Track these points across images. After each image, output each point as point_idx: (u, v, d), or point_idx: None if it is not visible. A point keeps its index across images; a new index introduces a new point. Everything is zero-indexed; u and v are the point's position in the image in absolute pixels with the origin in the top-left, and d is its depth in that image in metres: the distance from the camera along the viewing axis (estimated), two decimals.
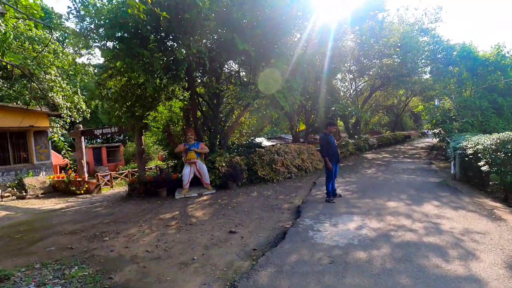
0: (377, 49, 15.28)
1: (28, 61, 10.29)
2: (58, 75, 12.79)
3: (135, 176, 11.44)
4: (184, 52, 6.62)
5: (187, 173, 7.92)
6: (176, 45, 7.44)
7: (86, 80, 21.19)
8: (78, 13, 5.72)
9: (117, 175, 15.79)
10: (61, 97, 13.05)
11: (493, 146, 5.83)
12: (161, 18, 3.78)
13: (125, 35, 6.67)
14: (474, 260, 3.12)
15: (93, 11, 5.97)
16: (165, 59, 7.82)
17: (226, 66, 10.44)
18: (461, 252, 3.33)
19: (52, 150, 14.12)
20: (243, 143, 12.06)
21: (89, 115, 17.27)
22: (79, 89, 16.92)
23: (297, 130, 16.64)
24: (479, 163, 6.16)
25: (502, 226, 4.10)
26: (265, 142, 17.18)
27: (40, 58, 11.60)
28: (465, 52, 14.13)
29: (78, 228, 5.63)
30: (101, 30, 6.57)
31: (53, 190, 11.96)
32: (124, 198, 8.67)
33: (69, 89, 13.10)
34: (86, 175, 13.63)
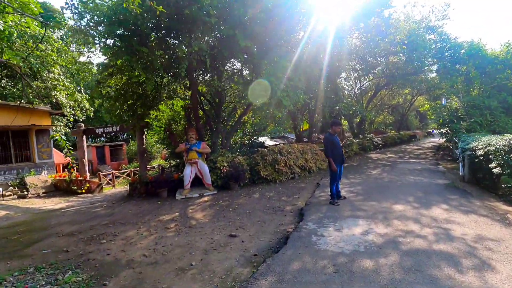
0: (382, 47, 14.97)
1: (32, 59, 10.23)
2: (61, 74, 12.74)
3: (137, 175, 11.33)
4: (185, 49, 6.45)
5: (188, 173, 7.78)
6: (177, 42, 7.28)
7: (90, 78, 21.20)
8: (76, 10, 5.58)
9: (119, 174, 15.74)
10: (64, 95, 13.00)
11: (505, 147, 5.59)
12: (158, 13, 3.60)
13: (125, 32, 6.52)
14: (489, 271, 2.91)
15: (92, 6, 5.81)
16: (166, 57, 7.67)
17: (228, 64, 10.26)
18: (475, 261, 3.12)
19: (54, 149, 14.10)
20: (246, 142, 11.89)
21: (92, 113, 17.24)
22: (82, 88, 16.91)
23: (301, 129, 16.43)
24: (490, 165, 5.92)
25: None
26: (268, 142, 17.01)
27: (44, 57, 11.54)
28: (473, 50, 13.81)
29: (76, 230, 5.52)
30: (100, 27, 6.44)
31: (55, 189, 11.91)
32: (125, 198, 8.56)
33: (72, 87, 13.03)
34: (88, 174, 13.58)
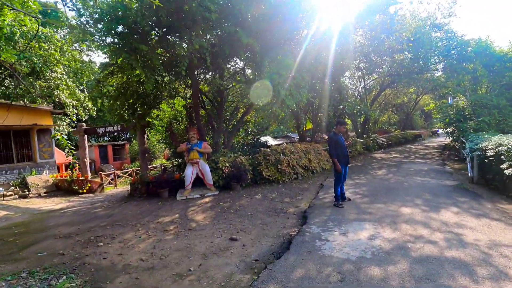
0: (387, 44, 14.69)
1: (35, 59, 10.16)
2: (64, 73, 12.66)
3: (138, 175, 11.22)
4: (186, 47, 6.30)
5: (189, 173, 7.63)
6: (177, 40, 7.13)
7: (92, 78, 21.18)
8: (74, 6, 5.45)
9: (121, 174, 15.67)
10: (67, 95, 12.93)
11: None
12: (154, 7, 3.45)
13: (125, 29, 6.38)
14: (507, 281, 2.71)
15: (91, 3, 5.68)
16: (167, 55, 7.52)
17: (231, 63, 10.09)
18: (490, 270, 2.92)
19: (56, 148, 14.05)
20: (248, 142, 11.73)
21: (95, 113, 17.20)
22: (85, 88, 16.85)
23: (304, 129, 16.20)
24: (501, 166, 5.69)
25: None
26: (271, 141, 16.81)
27: (46, 56, 11.46)
28: (480, 48, 13.49)
29: (73, 231, 5.39)
30: (99, 25, 6.30)
31: (56, 189, 11.85)
32: (126, 198, 8.44)
33: (74, 87, 12.96)
34: (90, 173, 13.51)
